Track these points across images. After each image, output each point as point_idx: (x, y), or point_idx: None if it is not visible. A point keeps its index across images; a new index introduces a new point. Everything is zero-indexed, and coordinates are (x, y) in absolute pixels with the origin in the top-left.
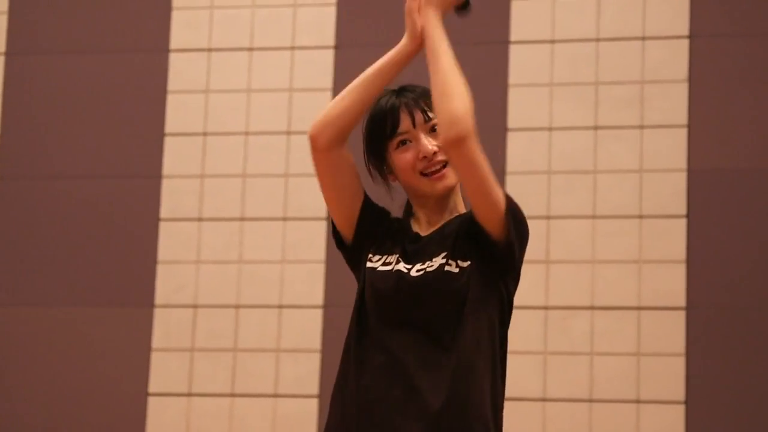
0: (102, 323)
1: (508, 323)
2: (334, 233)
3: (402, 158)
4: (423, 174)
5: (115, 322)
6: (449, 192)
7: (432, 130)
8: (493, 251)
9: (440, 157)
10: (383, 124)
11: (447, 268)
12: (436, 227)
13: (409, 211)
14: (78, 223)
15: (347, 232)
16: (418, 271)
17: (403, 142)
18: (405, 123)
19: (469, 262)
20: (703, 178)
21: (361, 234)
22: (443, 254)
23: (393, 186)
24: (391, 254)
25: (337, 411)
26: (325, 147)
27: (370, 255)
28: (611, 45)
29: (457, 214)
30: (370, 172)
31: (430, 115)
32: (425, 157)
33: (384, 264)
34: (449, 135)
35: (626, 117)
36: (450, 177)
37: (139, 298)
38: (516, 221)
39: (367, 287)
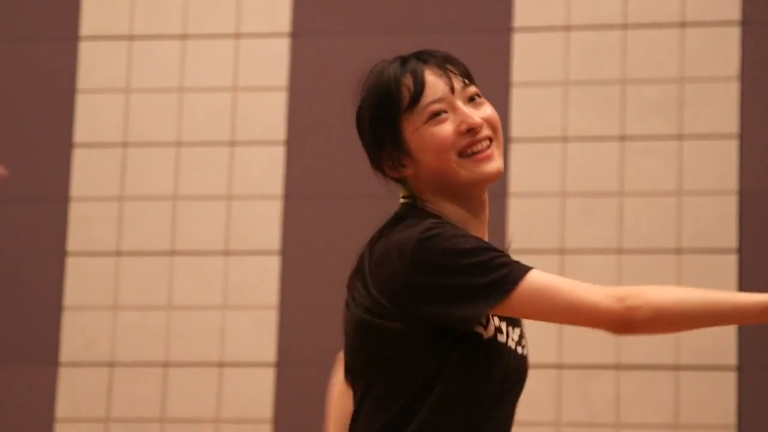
0: None
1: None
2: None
3: (437, 133)
4: (462, 155)
5: (11, 384)
6: (492, 183)
7: (471, 100)
8: None
9: (486, 132)
10: (398, 91)
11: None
12: None
13: None
14: None
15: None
16: (521, 347)
17: (437, 114)
18: (439, 87)
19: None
20: (758, 201)
21: None
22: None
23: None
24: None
25: None
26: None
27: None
28: (641, 33)
29: None
30: (374, 164)
31: (466, 81)
32: (470, 130)
33: (505, 335)
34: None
35: (661, 124)
36: (498, 159)
37: (40, 354)
38: None
39: (498, 367)
